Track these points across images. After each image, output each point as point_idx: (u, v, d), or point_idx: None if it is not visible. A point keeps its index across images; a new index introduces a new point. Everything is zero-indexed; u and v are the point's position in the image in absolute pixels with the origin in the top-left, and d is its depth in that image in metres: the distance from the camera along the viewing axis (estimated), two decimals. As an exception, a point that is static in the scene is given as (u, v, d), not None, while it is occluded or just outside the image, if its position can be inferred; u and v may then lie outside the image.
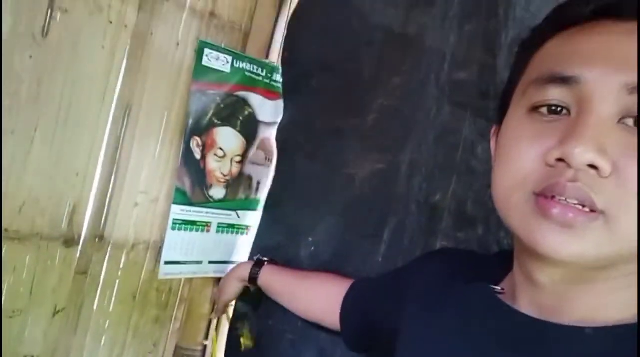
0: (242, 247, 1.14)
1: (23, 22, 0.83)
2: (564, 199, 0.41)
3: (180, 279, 1.14)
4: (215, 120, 1.05)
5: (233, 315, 1.11)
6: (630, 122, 0.41)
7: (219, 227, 1.10)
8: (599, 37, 0.43)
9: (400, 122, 0.91)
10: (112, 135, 0.97)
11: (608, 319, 0.44)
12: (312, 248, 1.01)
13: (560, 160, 0.42)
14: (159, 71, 1.01)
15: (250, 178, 1.13)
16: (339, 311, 0.84)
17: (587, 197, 0.40)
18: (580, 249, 0.41)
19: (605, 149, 0.40)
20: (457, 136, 0.84)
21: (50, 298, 0.95)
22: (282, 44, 1.12)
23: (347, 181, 0.96)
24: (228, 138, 1.08)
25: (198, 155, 1.04)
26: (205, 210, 1.07)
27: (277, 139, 1.12)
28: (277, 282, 0.97)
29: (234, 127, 1.08)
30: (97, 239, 0.99)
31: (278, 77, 1.12)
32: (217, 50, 1.04)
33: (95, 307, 1.02)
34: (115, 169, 0.99)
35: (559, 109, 0.44)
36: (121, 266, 1.04)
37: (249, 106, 1.10)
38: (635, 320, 0.44)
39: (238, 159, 1.10)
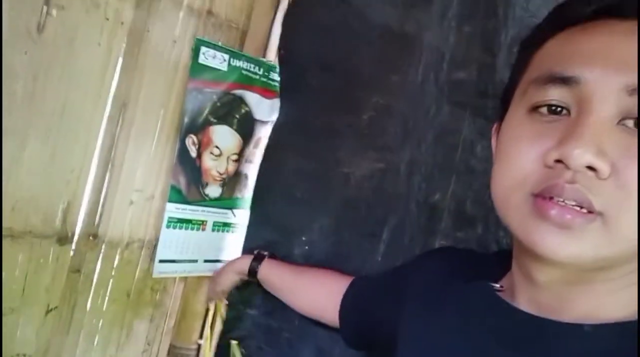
0: (238, 246, 1.13)
1: (18, 18, 0.82)
2: (562, 200, 0.41)
3: (175, 278, 1.13)
4: (212, 119, 1.05)
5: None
6: (630, 123, 0.41)
7: (214, 225, 1.10)
8: (599, 37, 0.43)
9: (398, 121, 0.91)
10: (108, 133, 0.96)
11: (607, 317, 0.45)
12: (306, 247, 1.01)
13: (559, 161, 0.41)
14: (155, 69, 1.00)
15: (246, 177, 1.13)
16: (338, 308, 0.84)
17: (585, 198, 0.40)
18: (577, 250, 0.41)
19: (605, 150, 0.40)
20: (456, 136, 0.84)
21: (43, 296, 0.93)
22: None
23: (343, 179, 0.96)
24: (224, 136, 1.07)
25: (194, 154, 1.04)
26: (200, 208, 1.07)
27: (271, 137, 1.11)
28: (276, 276, 0.97)
29: (231, 126, 1.08)
30: (91, 237, 0.98)
31: (275, 76, 1.12)
32: (214, 49, 1.03)
33: (88, 305, 1.01)
34: (110, 167, 0.98)
35: (558, 109, 0.44)
36: (115, 264, 1.03)
37: (246, 105, 1.09)
38: (636, 317, 0.44)
39: (234, 157, 1.09)
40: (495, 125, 0.57)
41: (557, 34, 0.47)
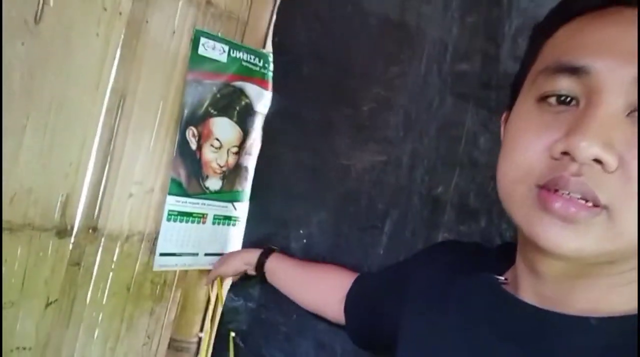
0: (239, 239, 1.13)
1: (15, 9, 0.80)
2: (567, 193, 0.40)
3: (175, 271, 1.12)
4: (212, 111, 1.04)
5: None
6: None
7: (215, 218, 1.09)
8: (609, 26, 0.42)
9: (400, 113, 0.90)
10: (106, 125, 0.95)
11: (612, 310, 0.44)
12: (304, 240, 1.00)
13: (565, 153, 0.41)
14: (154, 60, 0.99)
15: (246, 169, 1.12)
16: (341, 304, 0.84)
17: (590, 192, 0.40)
18: (581, 245, 0.40)
19: (612, 143, 0.39)
20: (460, 128, 0.83)
21: (42, 290, 0.93)
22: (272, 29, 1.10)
23: (343, 172, 0.95)
24: (224, 129, 1.06)
25: (194, 146, 1.03)
26: (201, 201, 1.06)
27: (263, 128, 1.10)
28: (282, 270, 0.97)
29: (231, 118, 1.07)
30: (90, 230, 0.98)
31: (276, 67, 1.11)
32: (214, 40, 1.02)
33: (88, 299, 1.00)
34: (109, 159, 0.97)
35: (567, 99, 0.43)
36: (115, 257, 1.02)
37: (246, 96, 1.08)
38: None
39: (235, 149, 1.09)
40: (504, 115, 0.56)
41: (566, 23, 0.46)
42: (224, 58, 1.04)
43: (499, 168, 0.48)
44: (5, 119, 0.82)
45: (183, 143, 1.01)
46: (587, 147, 0.39)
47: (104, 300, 1.03)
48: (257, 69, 1.09)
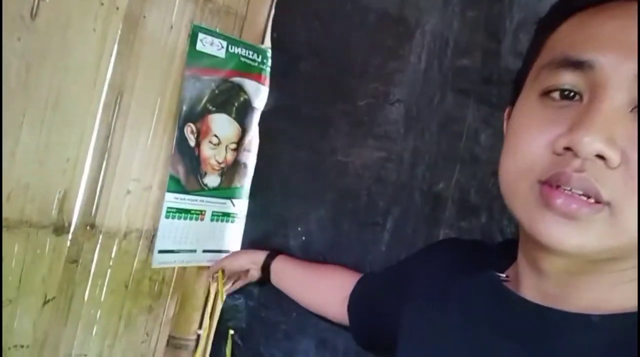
0: (237, 236, 1.12)
1: (11, 4, 0.80)
2: (569, 189, 0.40)
3: (174, 268, 1.12)
4: (210, 107, 1.03)
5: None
6: None
7: (213, 215, 1.09)
8: (614, 19, 0.42)
9: (400, 109, 0.89)
10: (103, 121, 0.95)
11: (614, 308, 0.44)
12: (303, 238, 0.99)
13: (568, 148, 0.40)
14: (151, 56, 0.98)
15: (245, 166, 1.11)
16: (344, 305, 0.84)
17: (593, 188, 0.39)
18: (582, 241, 0.40)
19: (615, 138, 0.38)
20: (461, 123, 0.82)
21: (40, 287, 0.93)
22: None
23: (341, 168, 0.95)
24: (223, 125, 1.06)
25: (192, 143, 1.02)
26: (199, 198, 1.05)
27: (260, 125, 1.09)
28: (287, 270, 0.97)
29: (229, 114, 1.06)
30: (88, 227, 0.97)
31: (275, 63, 1.10)
32: (212, 35, 1.01)
33: (86, 296, 1.00)
34: (106, 156, 0.97)
35: (571, 94, 0.43)
36: (113, 254, 1.02)
37: (244, 92, 1.08)
38: None
39: (233, 146, 1.08)
40: (506, 111, 0.55)
41: (570, 17, 0.46)
42: (222, 54, 1.03)
43: (502, 164, 0.48)
44: (2, 115, 0.81)
45: (182, 140, 1.01)
46: (591, 143, 0.38)
47: (102, 297, 1.02)
48: (256, 64, 1.08)
